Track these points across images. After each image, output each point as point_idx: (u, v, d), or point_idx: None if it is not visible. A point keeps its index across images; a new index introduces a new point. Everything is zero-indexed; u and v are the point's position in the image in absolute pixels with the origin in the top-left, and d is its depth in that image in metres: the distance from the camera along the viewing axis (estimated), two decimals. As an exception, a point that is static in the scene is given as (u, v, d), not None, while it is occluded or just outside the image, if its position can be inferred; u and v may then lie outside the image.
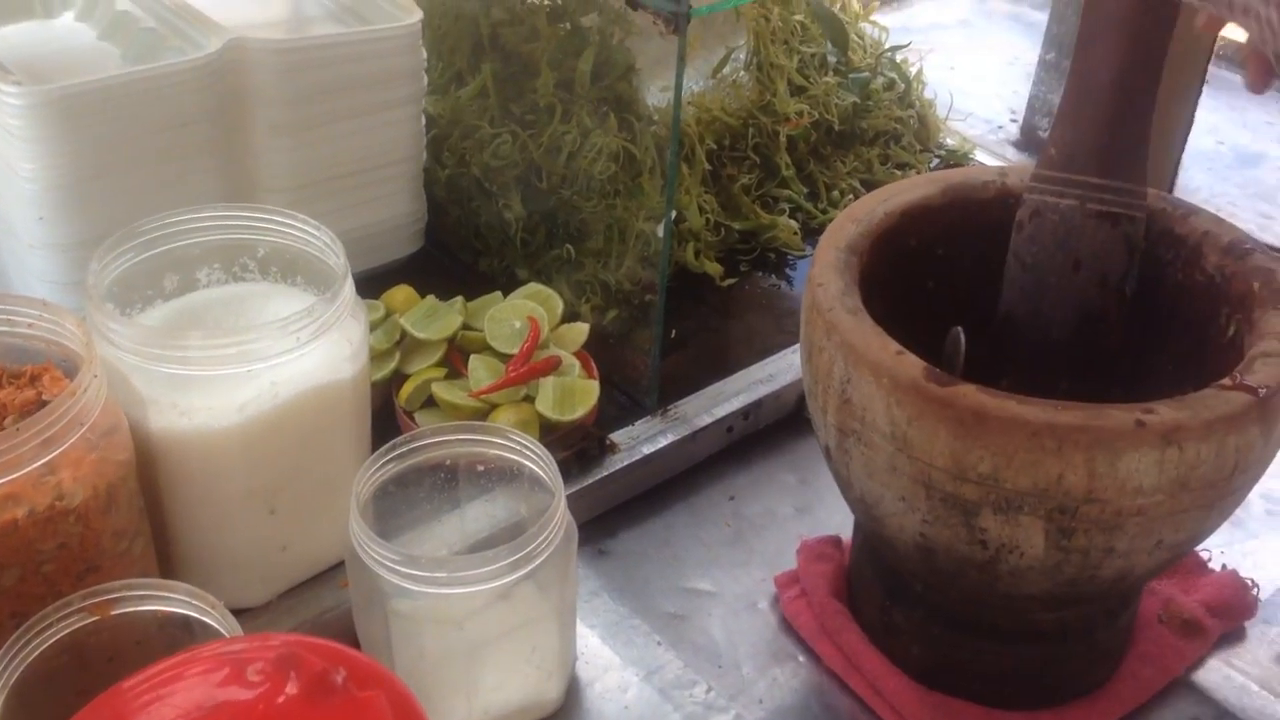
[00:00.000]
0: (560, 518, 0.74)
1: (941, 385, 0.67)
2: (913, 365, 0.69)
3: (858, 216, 0.82)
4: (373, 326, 0.95)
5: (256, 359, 0.72)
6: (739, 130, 1.20)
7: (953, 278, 0.86)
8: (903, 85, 1.34)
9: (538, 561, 0.71)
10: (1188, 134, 1.25)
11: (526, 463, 0.77)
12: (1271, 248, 1.24)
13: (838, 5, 1.32)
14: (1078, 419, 0.64)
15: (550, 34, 1.08)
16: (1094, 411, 0.65)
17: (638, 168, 1.08)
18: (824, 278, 0.76)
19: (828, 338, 0.73)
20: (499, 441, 0.77)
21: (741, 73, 1.22)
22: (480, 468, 0.81)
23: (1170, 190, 1.24)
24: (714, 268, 1.14)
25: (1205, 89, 1.25)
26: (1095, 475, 0.65)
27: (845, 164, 1.28)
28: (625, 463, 0.95)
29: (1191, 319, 0.80)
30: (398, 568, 0.70)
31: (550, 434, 0.92)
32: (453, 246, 1.14)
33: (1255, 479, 0.70)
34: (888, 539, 0.77)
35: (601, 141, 1.05)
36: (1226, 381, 0.67)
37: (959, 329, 0.77)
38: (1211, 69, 1.52)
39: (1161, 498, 0.66)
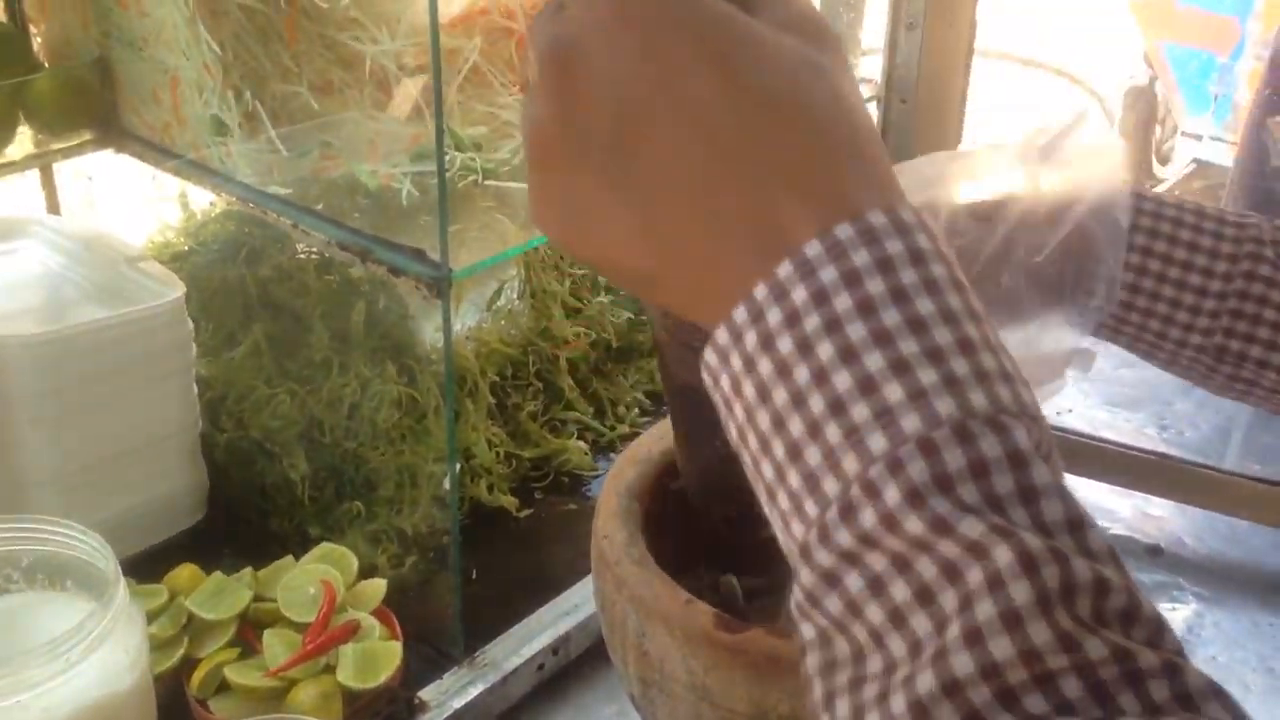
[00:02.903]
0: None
1: (732, 633, 0.69)
2: (703, 614, 0.70)
3: (637, 458, 0.84)
4: (156, 613, 0.91)
5: (24, 689, 0.68)
6: (520, 359, 1.22)
7: (737, 501, 0.88)
8: (674, 295, 1.39)
9: None
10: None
11: (327, 751, 0.75)
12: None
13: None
14: (863, 653, 0.66)
15: (321, 287, 1.08)
16: (877, 644, 0.67)
17: (422, 410, 1.08)
18: (608, 529, 0.77)
19: (618, 591, 0.74)
20: (295, 734, 0.75)
21: (516, 302, 1.25)
22: (279, 760, 0.78)
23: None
24: (509, 501, 1.14)
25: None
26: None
27: (628, 378, 1.31)
28: (435, 721, 0.93)
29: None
30: None
31: (356, 703, 0.90)
32: (240, 510, 1.11)
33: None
34: (703, 781, 0.77)
35: (382, 390, 1.05)
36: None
37: (731, 577, 0.79)
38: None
39: (952, 717, 0.68)
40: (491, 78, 1.07)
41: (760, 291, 0.37)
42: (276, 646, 0.90)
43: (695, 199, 0.38)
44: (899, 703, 0.34)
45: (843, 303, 0.36)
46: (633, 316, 1.33)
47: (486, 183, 0.98)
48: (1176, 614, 1.09)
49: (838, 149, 0.38)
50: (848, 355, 0.36)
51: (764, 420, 0.38)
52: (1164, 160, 3.99)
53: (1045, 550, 0.34)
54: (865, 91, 1.26)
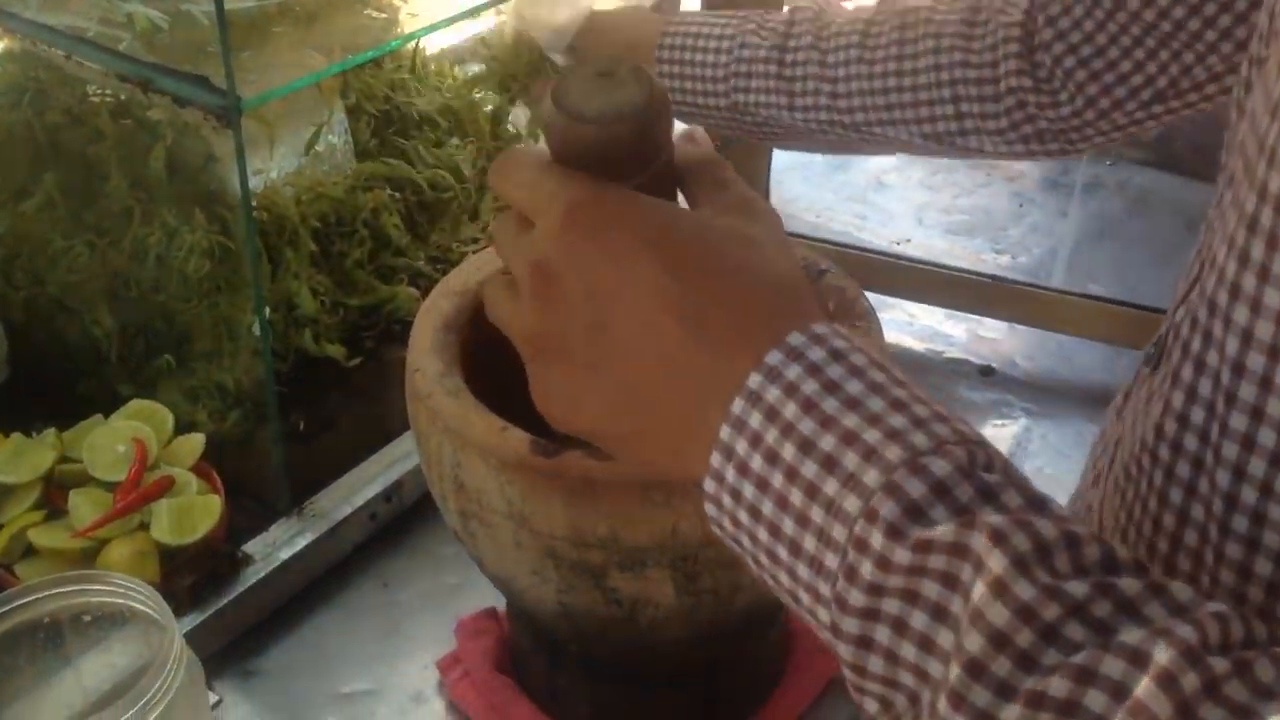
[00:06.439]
0: (177, 656, 0.68)
1: (548, 457, 0.67)
2: (518, 441, 0.68)
3: (453, 290, 0.81)
4: (-50, 481, 0.86)
5: None
6: (345, 204, 1.16)
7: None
8: (508, 136, 1.34)
9: (156, 713, 0.66)
10: (771, 149, 1.31)
11: (134, 604, 0.71)
12: (867, 248, 1.33)
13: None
14: (678, 469, 0.65)
15: (115, 132, 1.01)
16: (692, 459, 0.66)
17: (237, 259, 1.02)
18: (421, 362, 0.74)
19: (432, 424, 0.71)
20: (97, 588, 0.71)
21: (340, 146, 1.18)
22: (87, 618, 0.74)
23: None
24: (336, 350, 1.10)
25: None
26: (708, 520, 0.66)
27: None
28: (263, 573, 0.90)
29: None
30: (-6, 756, 0.63)
31: (175, 560, 0.86)
32: (45, 372, 1.05)
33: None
34: (530, 610, 0.76)
35: (190, 239, 0.99)
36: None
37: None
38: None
39: (770, 528, 0.68)
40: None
41: (725, 433, 0.43)
42: (84, 507, 0.86)
43: (659, 369, 0.46)
44: (943, 704, 0.38)
45: (790, 410, 0.42)
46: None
47: (285, 11, 0.92)
48: (1006, 429, 1.12)
49: (765, 301, 0.46)
50: (806, 448, 0.42)
51: (764, 535, 0.43)
52: None
53: (1009, 522, 0.38)
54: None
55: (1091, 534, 0.39)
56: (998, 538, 0.38)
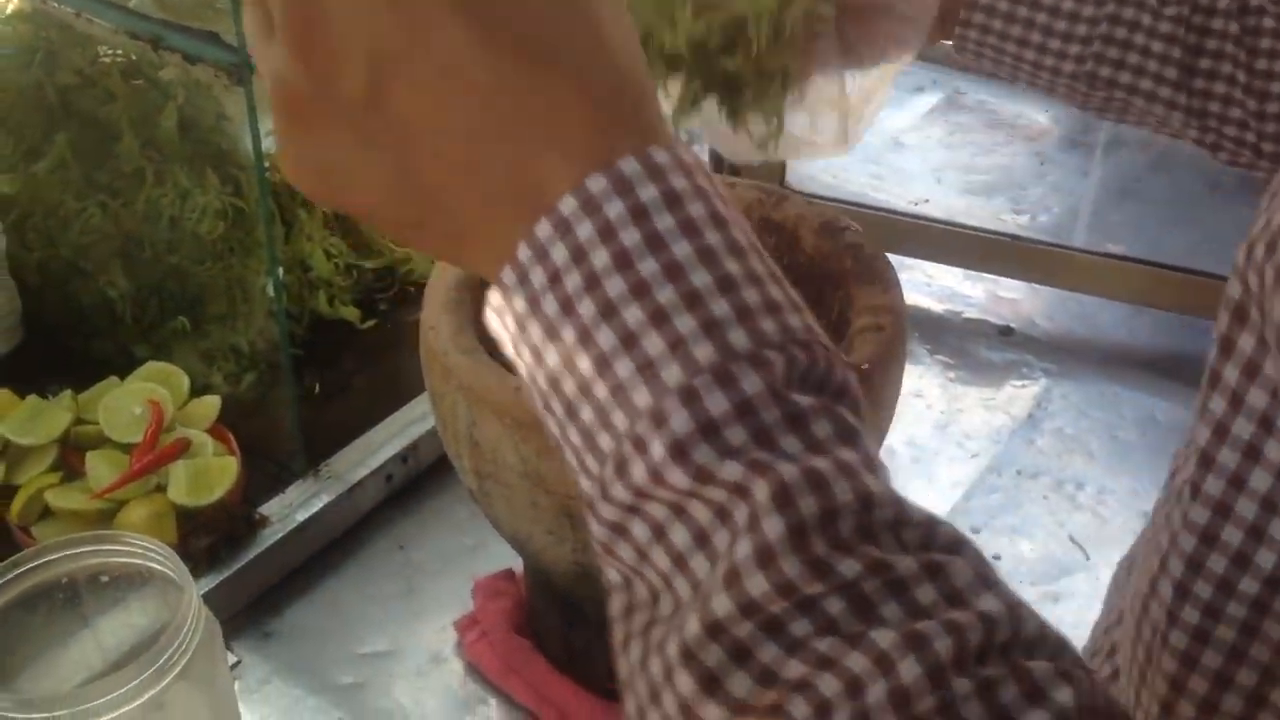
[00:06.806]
0: (195, 616, 0.68)
1: (562, 414, 0.66)
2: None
3: (466, 248, 0.80)
4: (-34, 442, 0.86)
5: None
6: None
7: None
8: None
9: (174, 673, 0.66)
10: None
11: (151, 564, 0.71)
12: (884, 208, 1.31)
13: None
14: (695, 426, 0.65)
15: (127, 93, 1.00)
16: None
17: (250, 221, 1.02)
18: (435, 320, 0.73)
19: (446, 382, 0.71)
20: (115, 548, 0.71)
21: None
22: (104, 578, 0.74)
23: (783, 169, 1.29)
24: (350, 312, 1.10)
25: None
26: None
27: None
28: (280, 535, 0.90)
29: (803, 299, 0.82)
30: (11, 714, 0.63)
31: (192, 521, 0.86)
32: (61, 333, 1.05)
33: (874, 446, 0.73)
34: (547, 569, 0.76)
35: (204, 200, 0.99)
36: (831, 362, 0.69)
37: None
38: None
39: (788, 486, 0.67)
40: None
41: (523, 252, 0.37)
42: (101, 468, 0.86)
43: (453, 151, 0.37)
44: (672, 648, 0.34)
45: (600, 258, 0.36)
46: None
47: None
48: (1026, 389, 1.11)
49: (593, 95, 0.37)
50: (608, 312, 0.36)
51: (542, 380, 0.38)
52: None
53: (803, 480, 0.34)
54: None
55: (888, 493, 0.35)
56: (784, 498, 0.33)
